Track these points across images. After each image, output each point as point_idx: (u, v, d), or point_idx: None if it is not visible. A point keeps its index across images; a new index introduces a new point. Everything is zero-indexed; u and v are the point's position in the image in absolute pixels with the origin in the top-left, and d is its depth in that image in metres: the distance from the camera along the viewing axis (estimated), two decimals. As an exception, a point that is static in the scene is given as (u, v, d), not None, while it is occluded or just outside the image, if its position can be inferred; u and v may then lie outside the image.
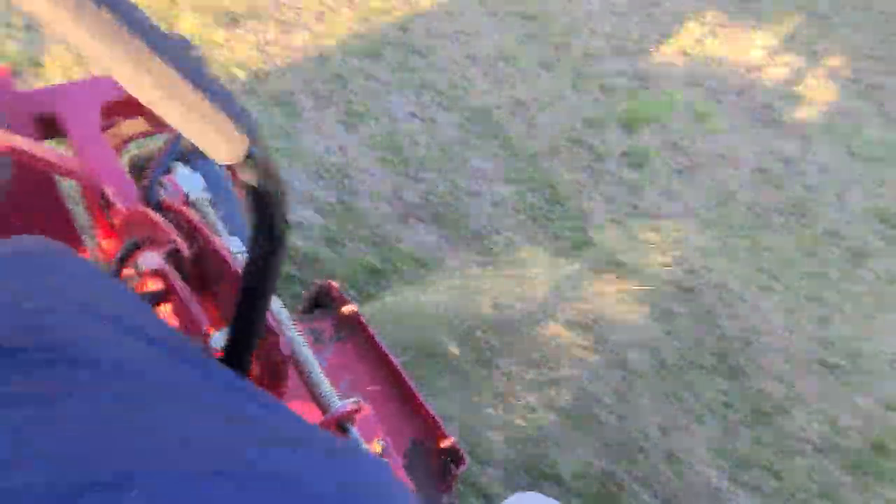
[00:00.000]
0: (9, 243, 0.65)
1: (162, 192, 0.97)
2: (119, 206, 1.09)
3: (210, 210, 1.16)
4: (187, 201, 1.09)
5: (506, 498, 1.09)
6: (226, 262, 0.80)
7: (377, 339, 1.22)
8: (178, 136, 0.92)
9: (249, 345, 0.66)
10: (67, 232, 1.24)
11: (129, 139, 1.31)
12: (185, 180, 1.19)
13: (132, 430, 0.44)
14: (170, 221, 0.89)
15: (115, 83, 1.49)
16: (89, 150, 1.16)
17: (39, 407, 0.43)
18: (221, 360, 0.69)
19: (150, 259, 0.87)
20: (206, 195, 1.19)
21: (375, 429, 0.99)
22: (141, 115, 1.37)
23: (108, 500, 0.39)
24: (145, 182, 0.96)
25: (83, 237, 1.27)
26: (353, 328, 1.25)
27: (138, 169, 1.29)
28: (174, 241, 0.82)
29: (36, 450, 0.41)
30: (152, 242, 0.90)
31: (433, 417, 1.18)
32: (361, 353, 1.22)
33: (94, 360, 0.48)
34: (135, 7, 0.44)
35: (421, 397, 1.17)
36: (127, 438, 0.43)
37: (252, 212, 0.56)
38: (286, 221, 0.58)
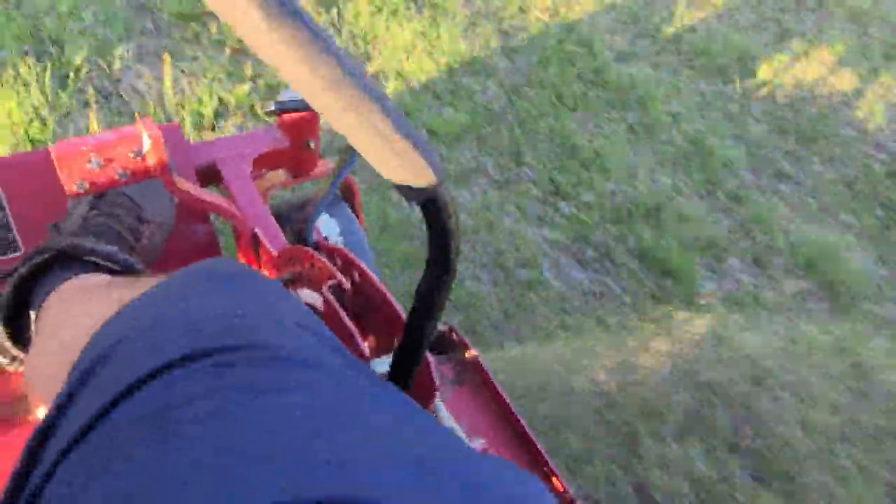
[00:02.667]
0: (203, 264, 0.71)
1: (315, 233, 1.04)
2: (267, 245, 1.18)
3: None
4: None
5: None
6: (382, 295, 0.85)
7: (498, 387, 1.22)
8: (335, 185, 1.00)
9: (411, 371, 0.70)
10: None
11: (271, 188, 1.42)
12: (324, 225, 1.27)
13: (354, 427, 0.46)
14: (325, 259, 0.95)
15: (263, 138, 1.61)
16: (242, 196, 1.28)
17: (270, 397, 0.46)
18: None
19: (308, 295, 0.94)
20: (341, 239, 1.28)
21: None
22: (281, 168, 1.49)
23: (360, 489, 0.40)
24: (300, 225, 1.05)
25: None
26: (474, 373, 1.26)
27: (275, 215, 1.40)
28: (335, 277, 0.88)
29: (270, 444, 0.43)
30: (308, 279, 0.97)
31: (554, 472, 1.15)
32: (481, 400, 1.23)
33: (306, 359, 0.52)
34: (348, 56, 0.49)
35: (542, 450, 1.16)
36: (351, 434, 0.45)
37: (431, 244, 0.61)
38: (457, 257, 0.62)
